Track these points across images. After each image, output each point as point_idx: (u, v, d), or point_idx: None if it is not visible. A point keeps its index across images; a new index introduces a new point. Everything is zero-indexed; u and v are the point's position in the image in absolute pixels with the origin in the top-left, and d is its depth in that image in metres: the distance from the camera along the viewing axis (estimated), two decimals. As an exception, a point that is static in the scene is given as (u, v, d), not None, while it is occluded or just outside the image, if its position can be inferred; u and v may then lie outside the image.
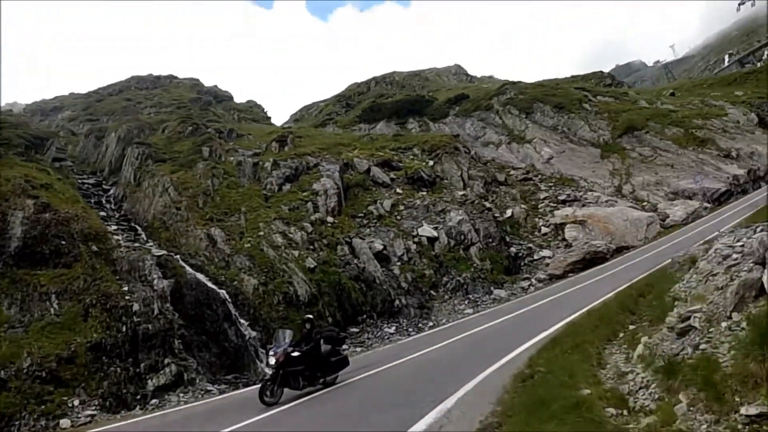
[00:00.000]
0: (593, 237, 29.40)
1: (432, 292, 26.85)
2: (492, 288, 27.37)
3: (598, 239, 28.73)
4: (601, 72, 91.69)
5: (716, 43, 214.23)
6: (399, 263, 27.68)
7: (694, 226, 27.36)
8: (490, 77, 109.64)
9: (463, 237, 30.41)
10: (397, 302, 25.09)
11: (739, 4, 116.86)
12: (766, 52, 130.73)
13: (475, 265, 28.88)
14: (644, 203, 34.86)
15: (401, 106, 61.63)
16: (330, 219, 29.87)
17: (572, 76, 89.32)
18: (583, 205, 34.98)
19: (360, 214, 31.73)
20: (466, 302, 26.25)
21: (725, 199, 34.50)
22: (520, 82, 63.26)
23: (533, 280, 27.98)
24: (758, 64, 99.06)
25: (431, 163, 40.68)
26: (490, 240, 30.82)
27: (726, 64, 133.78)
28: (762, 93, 64.27)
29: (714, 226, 23.64)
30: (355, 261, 26.42)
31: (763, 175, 38.49)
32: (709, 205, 32.60)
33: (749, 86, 71.25)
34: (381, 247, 27.91)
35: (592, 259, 25.94)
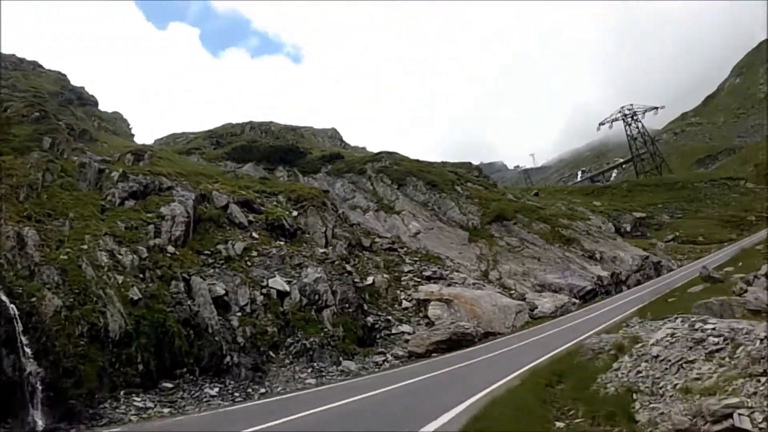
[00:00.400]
0: (459, 318, 27.88)
1: (272, 353, 23.53)
2: (341, 358, 24.61)
3: (463, 321, 27.26)
4: (470, 163, 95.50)
5: (570, 159, 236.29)
6: (240, 314, 24.19)
7: (564, 320, 26.78)
8: (363, 148, 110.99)
9: (317, 297, 27.64)
10: (228, 359, 21.47)
11: (600, 124, 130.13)
12: (613, 174, 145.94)
13: (326, 329, 26.07)
14: (512, 291, 34.44)
15: (274, 152, 59.15)
16: (171, 249, 25.94)
17: (443, 162, 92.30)
18: (449, 285, 33.73)
19: (207, 251, 28.06)
20: (309, 370, 23.19)
21: (590, 298, 35.10)
22: (396, 153, 63.38)
23: (389, 355, 25.63)
24: (607, 183, 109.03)
25: (295, 213, 38.06)
26: (347, 305, 28.32)
27: (579, 179, 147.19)
28: (617, 206, 69.86)
29: (589, 322, 23.03)
30: (189, 302, 22.62)
31: (625, 279, 40.18)
32: (577, 301, 32.82)
33: (606, 198, 77.28)
34: (223, 291, 24.37)
35: (459, 341, 24.15)
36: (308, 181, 54.77)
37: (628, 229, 61.08)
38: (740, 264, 25.89)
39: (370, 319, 29.30)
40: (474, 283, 34.53)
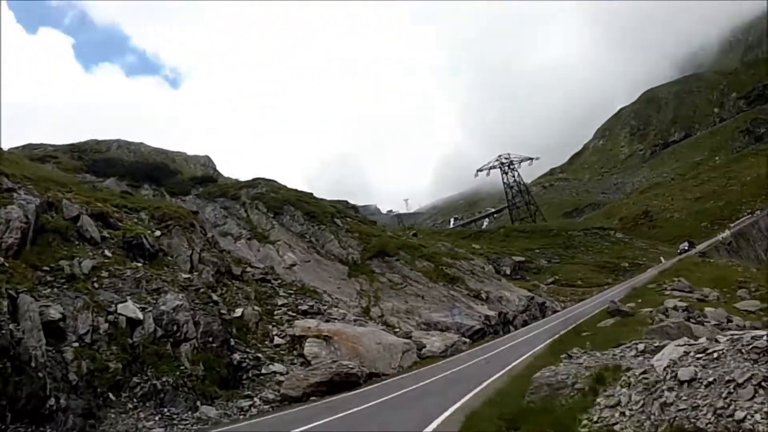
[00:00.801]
0: (339, 357, 24.97)
1: (111, 394, 19.26)
2: (199, 403, 20.76)
3: (344, 360, 24.33)
4: (347, 201, 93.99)
5: (443, 206, 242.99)
6: (77, 344, 19.79)
7: (458, 360, 24.59)
8: (237, 179, 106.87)
9: (176, 328, 23.67)
10: (52, 401, 17.04)
11: (478, 170, 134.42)
12: (485, 222, 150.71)
13: (183, 367, 22.13)
14: (396, 329, 32.00)
15: (140, 168, 54.34)
16: (0, 259, 21.26)
17: (320, 198, 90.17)
18: (328, 320, 30.74)
19: (46, 267, 23.32)
20: (157, 417, 19.12)
21: (479, 337, 33.47)
22: (274, 181, 60.19)
23: (257, 399, 22.14)
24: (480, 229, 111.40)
25: (158, 233, 33.67)
26: (211, 339, 24.55)
27: (451, 226, 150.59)
28: (496, 249, 70.28)
29: (497, 360, 21.02)
30: (11, 326, 18.04)
31: (512, 320, 39.14)
32: (467, 340, 30.90)
33: (484, 242, 77.80)
34: (59, 316, 19.85)
35: (341, 383, 21.13)
36: (176, 203, 50.20)
37: (508, 272, 61.21)
38: (640, 300, 25.82)
39: (236, 356, 25.62)
40: (355, 320, 31.78)
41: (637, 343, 10.51)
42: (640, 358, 9.75)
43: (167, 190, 52.92)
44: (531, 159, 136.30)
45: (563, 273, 61.55)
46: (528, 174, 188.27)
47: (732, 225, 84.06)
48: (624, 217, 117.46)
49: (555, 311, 44.09)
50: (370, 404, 16.09)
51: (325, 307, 34.41)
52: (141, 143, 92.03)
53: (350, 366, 22.05)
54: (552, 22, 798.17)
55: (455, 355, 27.13)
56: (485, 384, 14.46)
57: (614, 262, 68.21)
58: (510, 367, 17.34)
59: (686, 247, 69.58)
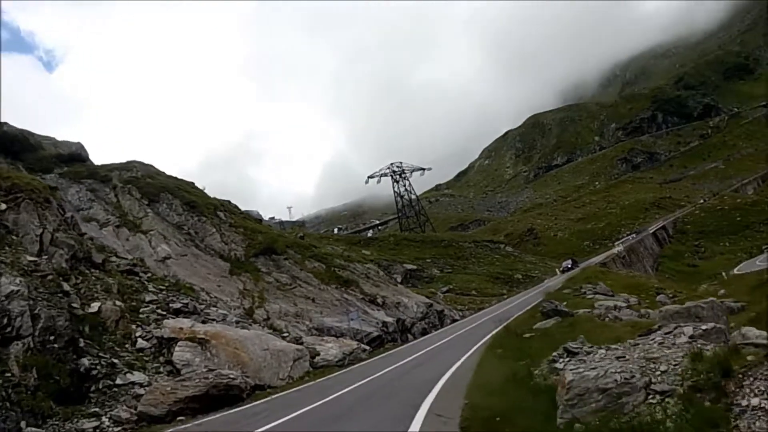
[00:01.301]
0: (217, 365, 20.49)
1: None
2: (24, 424, 15.53)
3: (224, 368, 19.88)
4: (229, 201, 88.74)
5: (327, 216, 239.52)
6: None
7: (359, 372, 20.60)
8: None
9: (6, 321, 18.38)
10: None
11: (369, 177, 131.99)
12: (369, 233, 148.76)
13: (9, 374, 16.89)
14: (284, 334, 27.70)
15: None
16: None
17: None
18: (205, 321, 26.06)
19: None
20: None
21: (378, 345, 29.87)
22: (152, 165, 53.90)
23: (106, 419, 17.05)
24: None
25: (3, 206, 27.69)
26: (53, 339, 19.29)
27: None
28: (386, 257, 67.41)
29: (419, 370, 17.27)
30: None
31: (410, 327, 35.98)
32: (367, 348, 27.04)
33: (374, 249, 74.73)
34: None
35: (220, 397, 16.62)
36: (32, 180, 43.21)
37: (399, 280, 58.36)
38: (565, 303, 23.45)
39: (85, 361, 20.35)
40: (237, 322, 27.22)
41: (680, 327, 7.46)
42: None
43: (26, 165, 45.60)
44: (423, 169, 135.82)
45: (457, 282, 59.62)
46: (415, 188, 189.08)
47: (617, 242, 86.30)
48: (510, 233, 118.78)
49: (454, 320, 41.49)
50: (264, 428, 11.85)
51: (203, 307, 29.59)
52: (5, 123, 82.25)
53: (231, 376, 17.64)
54: (446, 41, 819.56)
55: (355, 365, 23.24)
56: (426, 404, 10.71)
57: (507, 274, 67.38)
58: (448, 375, 13.83)
59: (569, 266, 68.06)
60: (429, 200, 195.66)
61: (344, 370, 22.08)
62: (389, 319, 34.41)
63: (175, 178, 53.52)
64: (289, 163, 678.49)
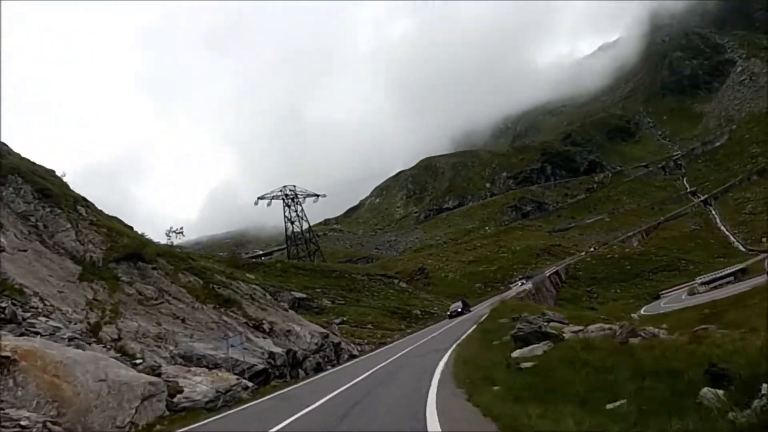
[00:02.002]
0: (20, 399, 13.15)
1: None
2: None
3: (25, 407, 12.62)
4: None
5: (207, 243, 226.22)
6: None
7: (242, 421, 13.85)
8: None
9: None
10: None
11: (259, 198, 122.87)
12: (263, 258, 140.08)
13: None
14: (137, 360, 20.35)
15: None
16: None
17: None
18: (25, 334, 18.37)
19: None
20: None
21: (262, 382, 22.92)
22: (5, 143, 44.31)
23: None
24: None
25: None
26: None
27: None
28: (273, 282, 60.47)
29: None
30: None
31: (302, 360, 29.21)
32: (251, 385, 19.98)
33: (259, 273, 67.34)
34: None
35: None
36: None
37: (287, 308, 51.35)
38: None
39: None
40: (72, 339, 19.66)
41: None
42: None
43: None
44: (317, 195, 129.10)
45: (351, 315, 53.43)
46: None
47: (513, 284, 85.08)
48: (400, 271, 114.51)
49: (353, 355, 35.00)
50: None
51: (29, 315, 21.68)
52: None
53: (22, 425, 10.47)
54: (348, 76, 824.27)
55: (232, 409, 16.15)
56: None
57: (405, 309, 62.00)
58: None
59: (459, 309, 55.48)
60: (317, 234, 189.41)
61: (215, 417, 15.06)
62: (278, 350, 27.55)
63: (32, 161, 44.35)
64: (175, 185, 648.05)
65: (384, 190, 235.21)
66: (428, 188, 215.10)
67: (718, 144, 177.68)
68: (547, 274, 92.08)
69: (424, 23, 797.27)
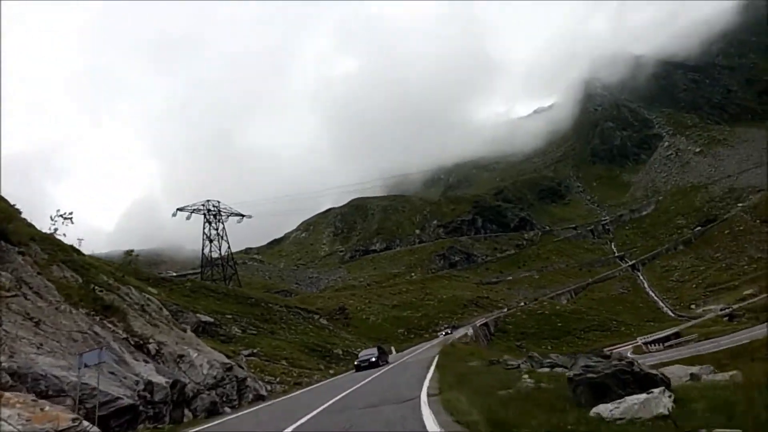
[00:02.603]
0: None
1: None
2: None
3: None
4: None
5: (118, 258, 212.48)
6: None
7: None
8: None
9: None
10: None
11: (178, 210, 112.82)
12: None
13: None
14: None
15: None
16: None
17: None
18: None
19: None
20: None
21: (126, 425, 15.72)
22: None
23: None
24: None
25: None
26: None
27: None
28: (177, 301, 52.94)
29: None
30: None
31: (192, 398, 21.84)
32: (97, 430, 12.92)
33: (162, 290, 59.16)
34: None
35: None
36: None
37: (188, 331, 43.73)
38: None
39: None
40: None
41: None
42: None
43: None
44: (242, 215, 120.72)
45: (263, 347, 46.16)
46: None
47: (437, 333, 78.98)
48: (320, 308, 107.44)
49: (260, 395, 27.64)
50: None
51: None
52: None
53: None
54: (287, 106, 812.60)
55: None
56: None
57: (325, 347, 55.12)
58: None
59: (373, 358, 42.61)
60: (237, 261, 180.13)
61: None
62: (160, 380, 20.12)
63: None
64: (95, 192, 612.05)
65: (311, 225, 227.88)
66: (356, 228, 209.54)
67: (645, 213, 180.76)
68: (478, 325, 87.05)
69: (367, 65, 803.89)
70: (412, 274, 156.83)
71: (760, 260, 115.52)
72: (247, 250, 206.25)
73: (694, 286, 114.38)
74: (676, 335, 76.14)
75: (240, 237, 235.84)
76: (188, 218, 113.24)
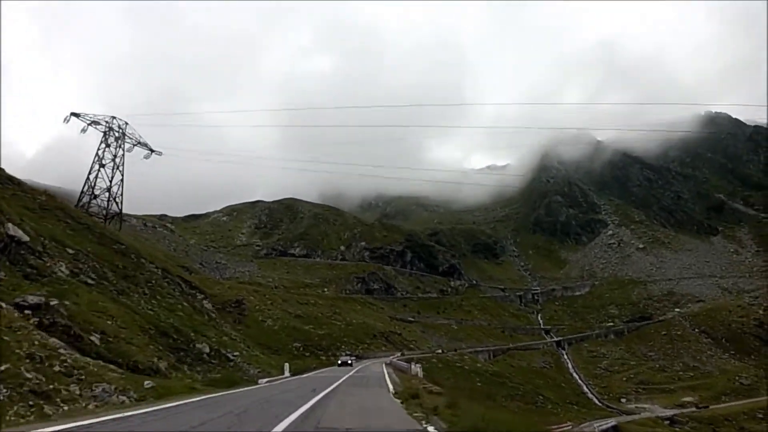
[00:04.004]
0: None
1: None
2: None
3: None
4: None
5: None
6: None
7: None
8: None
9: None
10: None
11: (72, 114, 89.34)
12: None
13: None
14: None
15: None
16: None
17: None
18: None
19: None
20: None
21: None
22: None
23: None
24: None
25: None
26: None
27: None
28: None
29: None
30: None
31: None
32: None
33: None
34: None
35: None
36: None
37: None
38: None
39: None
40: None
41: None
42: None
43: None
44: (152, 151, 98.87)
45: (83, 305, 28.85)
46: (139, 205, 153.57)
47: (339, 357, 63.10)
48: (214, 295, 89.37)
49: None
50: None
51: None
52: None
53: None
54: (248, 86, 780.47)
55: None
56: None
57: (188, 336, 37.05)
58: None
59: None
60: (145, 223, 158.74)
61: None
62: None
63: None
64: (27, 112, 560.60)
65: (235, 211, 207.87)
66: (281, 227, 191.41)
67: (578, 293, 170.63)
68: (392, 359, 70.96)
69: (340, 69, 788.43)
70: (326, 289, 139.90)
71: (696, 369, 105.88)
72: (162, 217, 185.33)
73: (624, 379, 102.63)
74: (615, 429, 65.11)
75: (159, 202, 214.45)
76: (84, 131, 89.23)
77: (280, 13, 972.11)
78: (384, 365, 55.69)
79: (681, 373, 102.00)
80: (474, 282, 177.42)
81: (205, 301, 54.26)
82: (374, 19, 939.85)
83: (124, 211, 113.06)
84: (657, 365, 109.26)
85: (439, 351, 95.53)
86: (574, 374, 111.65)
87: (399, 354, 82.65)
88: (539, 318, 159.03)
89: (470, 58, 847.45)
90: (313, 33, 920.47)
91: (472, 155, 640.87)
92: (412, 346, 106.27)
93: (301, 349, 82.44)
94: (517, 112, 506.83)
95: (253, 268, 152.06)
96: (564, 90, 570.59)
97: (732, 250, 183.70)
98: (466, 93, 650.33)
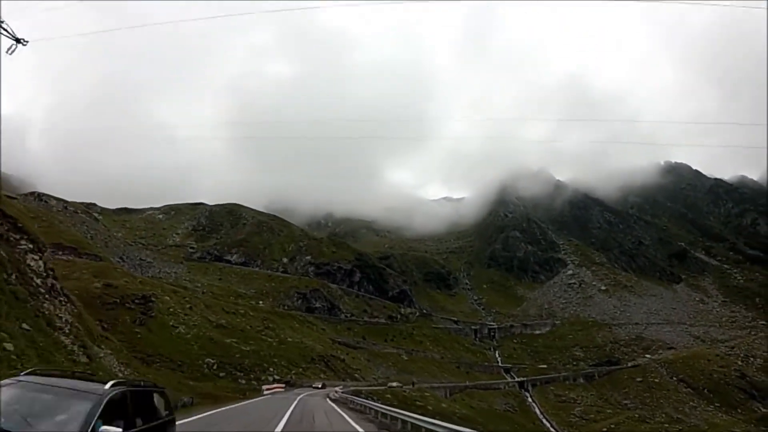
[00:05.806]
0: None
1: None
2: None
3: None
4: None
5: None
6: None
7: None
8: None
9: None
10: None
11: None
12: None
13: None
14: None
15: None
16: None
17: None
18: None
19: None
20: None
21: None
22: None
23: None
24: None
25: None
26: None
27: None
28: None
29: None
30: None
31: None
32: None
33: None
34: None
35: None
36: None
37: None
38: None
39: None
40: None
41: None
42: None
43: None
44: (18, 40, 76.90)
45: None
46: (67, 192, 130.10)
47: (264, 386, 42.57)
48: (115, 286, 68.12)
49: None
50: None
51: None
52: None
53: None
54: (204, 85, 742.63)
55: None
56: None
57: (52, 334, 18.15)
58: None
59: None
60: (66, 206, 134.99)
61: None
62: None
63: None
64: None
65: (174, 210, 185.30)
66: (220, 232, 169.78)
67: (538, 332, 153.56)
68: (340, 392, 51.17)
69: (301, 77, 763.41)
70: (261, 301, 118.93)
71: (681, 422, 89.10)
72: (91, 206, 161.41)
73: (604, 429, 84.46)
74: None
75: (90, 191, 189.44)
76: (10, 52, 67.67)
77: (241, 13, 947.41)
78: (331, 401, 36.49)
79: (666, 425, 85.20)
80: (426, 311, 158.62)
81: (32, 258, 30.52)
82: (340, 28, 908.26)
83: (43, 191, 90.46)
84: (636, 415, 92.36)
85: (395, 384, 75.11)
86: (545, 421, 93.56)
87: (341, 387, 62.33)
88: (497, 355, 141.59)
89: (435, 83, 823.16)
90: (273, 37, 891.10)
91: (428, 185, 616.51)
92: (357, 375, 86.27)
93: (215, 367, 61.73)
94: (477, 146, 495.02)
95: (182, 270, 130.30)
96: (526, 126, 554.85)
97: (697, 299, 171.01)
98: (428, 122, 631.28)
